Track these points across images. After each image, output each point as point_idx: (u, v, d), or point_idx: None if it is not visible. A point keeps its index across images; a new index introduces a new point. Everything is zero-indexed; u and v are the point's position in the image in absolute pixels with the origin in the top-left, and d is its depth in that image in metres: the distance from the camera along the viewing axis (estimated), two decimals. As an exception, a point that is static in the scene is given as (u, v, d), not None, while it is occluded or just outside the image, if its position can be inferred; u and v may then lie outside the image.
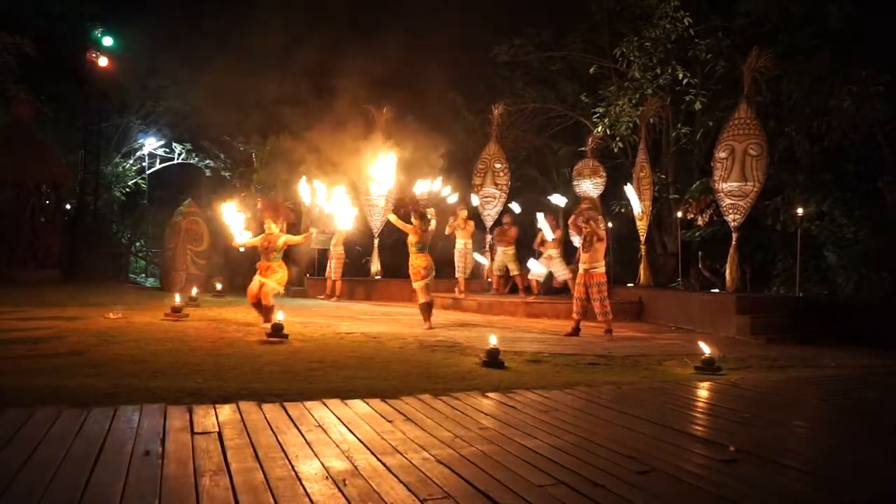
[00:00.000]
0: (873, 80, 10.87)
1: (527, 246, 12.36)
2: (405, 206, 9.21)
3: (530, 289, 12.24)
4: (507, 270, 12.61)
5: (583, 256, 8.60)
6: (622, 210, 14.05)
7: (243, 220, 8.40)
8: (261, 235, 8.28)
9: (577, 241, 9.51)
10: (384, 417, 4.00)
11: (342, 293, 12.60)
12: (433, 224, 9.28)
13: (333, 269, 12.48)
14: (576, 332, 8.50)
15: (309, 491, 2.76)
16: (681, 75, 13.29)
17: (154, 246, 17.46)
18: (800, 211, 10.71)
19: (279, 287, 8.07)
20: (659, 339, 8.71)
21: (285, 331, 6.98)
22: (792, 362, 7.01)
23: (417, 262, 8.75)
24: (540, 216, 10.60)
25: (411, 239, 8.78)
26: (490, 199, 13.51)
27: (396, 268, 14.33)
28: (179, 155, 18.01)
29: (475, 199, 13.12)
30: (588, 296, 8.40)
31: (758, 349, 7.87)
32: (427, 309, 8.82)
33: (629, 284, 12.37)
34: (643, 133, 12.51)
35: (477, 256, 12.44)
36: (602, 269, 8.41)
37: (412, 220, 8.81)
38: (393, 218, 9.24)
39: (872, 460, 3.70)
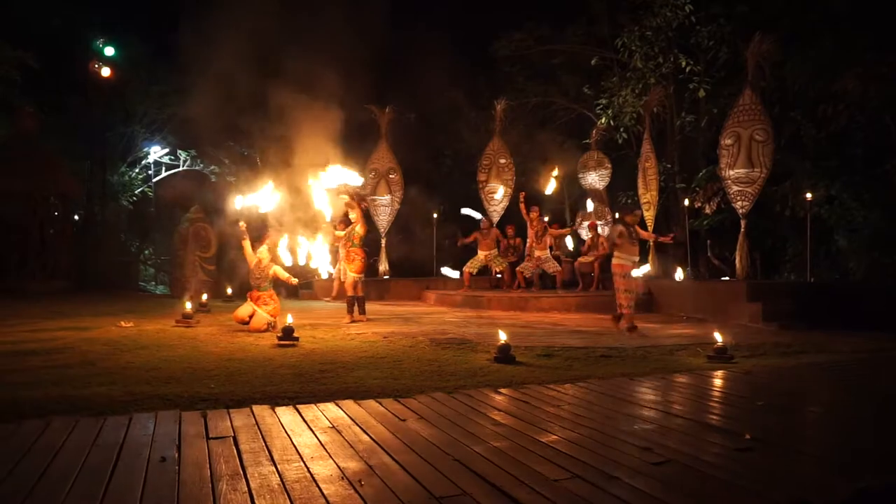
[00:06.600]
0: (878, 61, 10.77)
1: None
2: (348, 203, 9.19)
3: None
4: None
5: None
6: (629, 201, 14.01)
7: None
8: (253, 256, 8.30)
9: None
10: (397, 417, 4.00)
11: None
12: None
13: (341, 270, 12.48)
14: (631, 327, 8.11)
15: (325, 492, 2.77)
16: (683, 63, 13.23)
17: (163, 253, 17.52)
18: (809, 196, 10.62)
19: (270, 318, 8.07)
20: (670, 329, 8.67)
21: (295, 333, 7.00)
22: (805, 348, 6.97)
23: (361, 255, 9.10)
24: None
25: (358, 232, 9.02)
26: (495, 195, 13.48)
27: (405, 267, 14.35)
28: (185, 162, 18.06)
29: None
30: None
31: (770, 336, 7.82)
32: (361, 302, 9.13)
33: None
34: (647, 123, 12.46)
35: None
36: (619, 261, 8.17)
37: (352, 215, 9.03)
38: (338, 232, 9.45)
39: (888, 446, 3.68)
